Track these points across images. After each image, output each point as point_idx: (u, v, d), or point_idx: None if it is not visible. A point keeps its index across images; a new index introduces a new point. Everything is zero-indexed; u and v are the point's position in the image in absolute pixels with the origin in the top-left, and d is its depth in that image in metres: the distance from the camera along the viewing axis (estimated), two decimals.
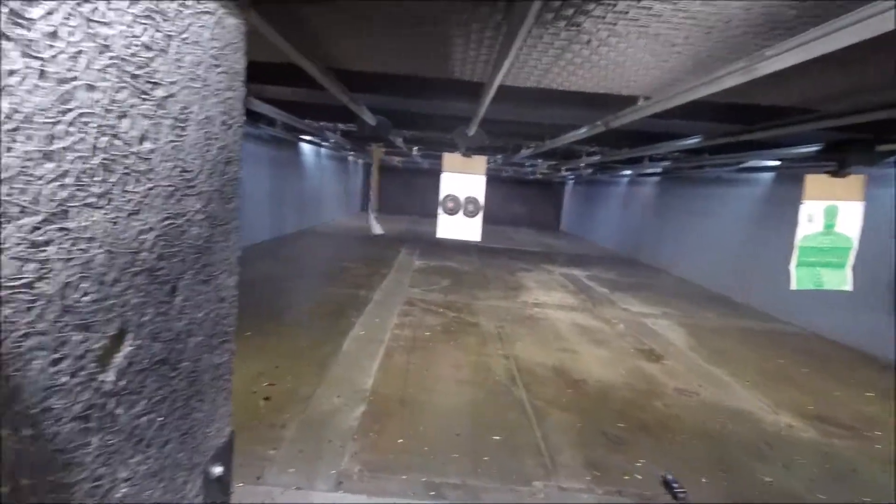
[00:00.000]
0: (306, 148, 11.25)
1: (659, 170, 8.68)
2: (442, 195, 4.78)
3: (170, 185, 0.55)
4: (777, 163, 5.83)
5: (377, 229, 5.57)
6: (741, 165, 6.43)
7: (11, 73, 0.35)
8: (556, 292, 6.84)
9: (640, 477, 2.50)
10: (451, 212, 5.14)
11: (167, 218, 0.54)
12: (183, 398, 0.60)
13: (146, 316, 0.51)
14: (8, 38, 0.34)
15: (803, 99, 3.23)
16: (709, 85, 2.46)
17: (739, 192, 7.65)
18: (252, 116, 6.54)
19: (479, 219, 5.18)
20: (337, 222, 13.51)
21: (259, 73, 3.92)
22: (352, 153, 12.00)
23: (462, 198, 5.38)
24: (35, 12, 0.37)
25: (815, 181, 3.82)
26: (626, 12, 2.02)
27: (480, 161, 5.59)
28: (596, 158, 7.16)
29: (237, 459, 2.25)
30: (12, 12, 0.35)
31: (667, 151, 5.44)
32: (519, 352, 4.22)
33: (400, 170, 16.78)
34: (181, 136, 0.57)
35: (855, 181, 3.67)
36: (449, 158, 5.38)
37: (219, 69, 0.67)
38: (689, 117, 3.69)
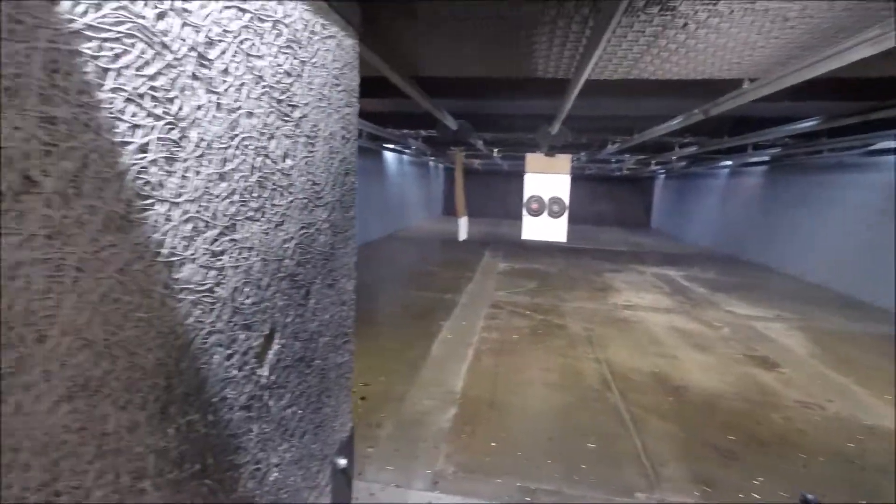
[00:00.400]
0: (389, 155, 11.69)
1: (766, 158, 7.92)
2: (526, 196, 4.82)
3: (304, 198, 0.60)
4: None
5: (463, 234, 5.63)
6: (869, 148, 5.68)
7: (199, 107, 0.41)
8: (648, 293, 6.48)
9: (758, 496, 2.29)
10: (536, 213, 5.12)
11: (302, 227, 0.59)
12: (315, 393, 0.65)
13: (289, 317, 0.56)
14: (196, 78, 0.40)
15: None
16: (830, 60, 2.21)
17: (867, 179, 6.76)
18: None
19: (564, 219, 5.10)
20: (420, 226, 13.86)
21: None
22: (432, 158, 12.26)
23: (546, 198, 5.32)
24: (213, 53, 0.42)
25: None
26: None
27: (564, 160, 5.49)
28: (691, 150, 6.70)
29: None
30: (200, 56, 0.40)
31: (775, 137, 4.95)
32: (611, 356, 4.05)
33: (480, 172, 16.86)
34: (312, 151, 0.62)
35: None
36: (532, 159, 5.36)
37: (339, 88, 0.72)
38: (803, 97, 3.34)
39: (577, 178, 15.74)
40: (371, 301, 5.58)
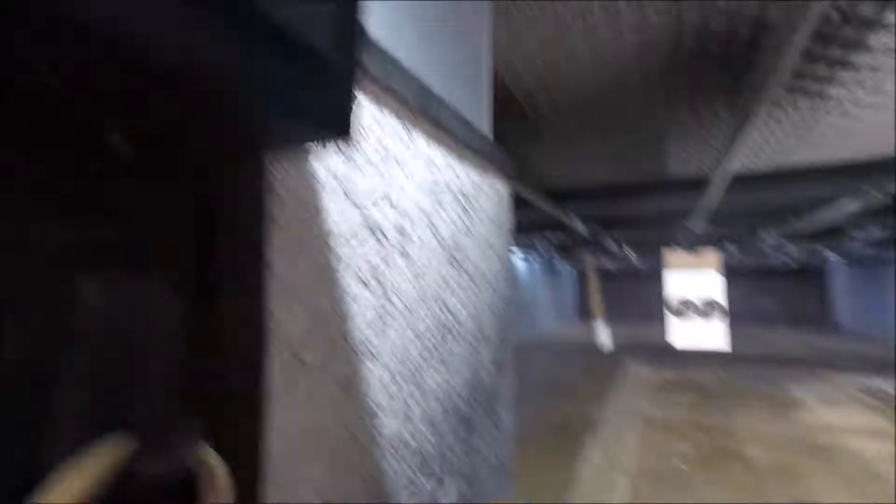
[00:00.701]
0: (518, 260, 11.90)
1: None
2: (669, 297, 4.55)
3: (473, 340, 0.63)
4: None
5: (606, 343, 5.33)
6: None
7: (400, 276, 0.48)
8: (847, 409, 5.26)
9: None
10: (680, 314, 4.73)
11: (472, 368, 0.62)
12: None
13: (456, 455, 0.56)
14: (402, 255, 0.47)
15: None
16: None
17: None
18: None
19: (719, 321, 4.57)
20: (552, 331, 13.39)
21: None
22: (562, 260, 12.18)
23: (694, 298, 4.88)
24: (410, 229, 0.50)
25: None
26: (878, 68, 1.73)
27: (710, 256, 5.05)
28: (872, 232, 5.76)
29: None
30: (401, 233, 0.48)
31: None
32: (818, 496, 3.25)
33: (614, 274, 16.20)
34: (479, 296, 0.66)
35: None
36: (673, 257, 5.03)
37: (499, 233, 0.77)
38: None
39: (732, 274, 14.15)
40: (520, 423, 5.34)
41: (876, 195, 3.28)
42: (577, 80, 1.81)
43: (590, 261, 5.66)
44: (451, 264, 0.58)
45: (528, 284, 12.72)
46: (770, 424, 4.82)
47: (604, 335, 5.34)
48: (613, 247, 7.86)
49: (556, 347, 10.55)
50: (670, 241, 5.17)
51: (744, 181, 3.51)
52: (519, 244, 8.94)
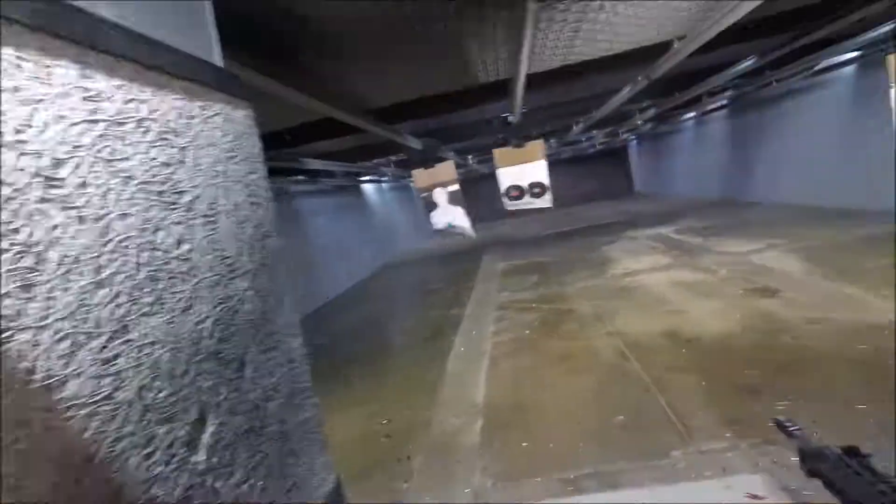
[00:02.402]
0: (368, 187, 11.78)
1: (724, 102, 8.01)
2: (503, 188, 5.10)
3: (214, 275, 0.62)
4: (855, 53, 5.14)
5: (468, 229, 5.72)
6: (815, 69, 5.74)
7: (55, 227, 0.42)
8: (645, 256, 6.50)
9: (789, 422, 2.28)
10: (517, 198, 5.33)
11: (219, 304, 0.61)
12: (277, 459, 0.66)
13: (221, 395, 0.57)
14: (46, 200, 0.42)
15: None
16: (737, 8, 2.27)
17: (819, 98, 6.86)
18: (309, 174, 7.00)
19: (548, 196, 5.23)
20: (412, 249, 13.88)
21: (306, 134, 4.19)
22: (412, 181, 12.41)
23: (525, 184, 5.39)
24: (64, 171, 0.44)
25: None
26: None
27: (535, 147, 5.44)
28: (651, 112, 6.79)
29: (376, 501, 2.38)
30: (46, 178, 0.42)
31: (724, 82, 5.02)
32: (622, 326, 4.05)
33: (462, 182, 16.94)
34: (214, 228, 0.64)
35: None
36: (501, 153, 5.41)
37: (236, 159, 0.74)
38: (735, 41, 3.40)
39: (556, 164, 15.78)
40: (378, 336, 5.57)
41: (642, 80, 3.79)
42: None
43: (443, 169, 5.67)
44: (154, 202, 0.54)
45: (381, 209, 12.74)
46: (592, 281, 5.77)
47: (463, 220, 5.62)
48: (455, 158, 8.13)
49: (418, 263, 11.02)
50: (498, 142, 5.53)
51: (543, 78, 3.79)
52: (364, 171, 8.74)
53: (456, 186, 5.30)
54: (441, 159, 5.34)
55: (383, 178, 10.85)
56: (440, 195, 5.31)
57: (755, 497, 1.73)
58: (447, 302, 6.35)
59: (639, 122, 7.81)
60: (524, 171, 5.21)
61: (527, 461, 2.48)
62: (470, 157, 8.64)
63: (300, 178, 6.91)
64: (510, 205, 5.29)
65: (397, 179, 11.74)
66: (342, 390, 3.97)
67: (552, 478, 2.31)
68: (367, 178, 9.76)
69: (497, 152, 5.34)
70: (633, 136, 13.62)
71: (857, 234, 5.22)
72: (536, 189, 5.16)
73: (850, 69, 6.17)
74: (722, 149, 10.31)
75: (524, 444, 2.65)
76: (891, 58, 3.37)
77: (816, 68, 5.62)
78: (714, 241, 6.40)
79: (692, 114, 9.17)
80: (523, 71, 2.78)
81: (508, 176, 5.33)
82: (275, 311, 0.74)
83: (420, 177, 5.24)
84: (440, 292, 7.16)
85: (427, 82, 3.55)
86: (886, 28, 3.54)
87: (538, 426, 2.80)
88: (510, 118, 4.63)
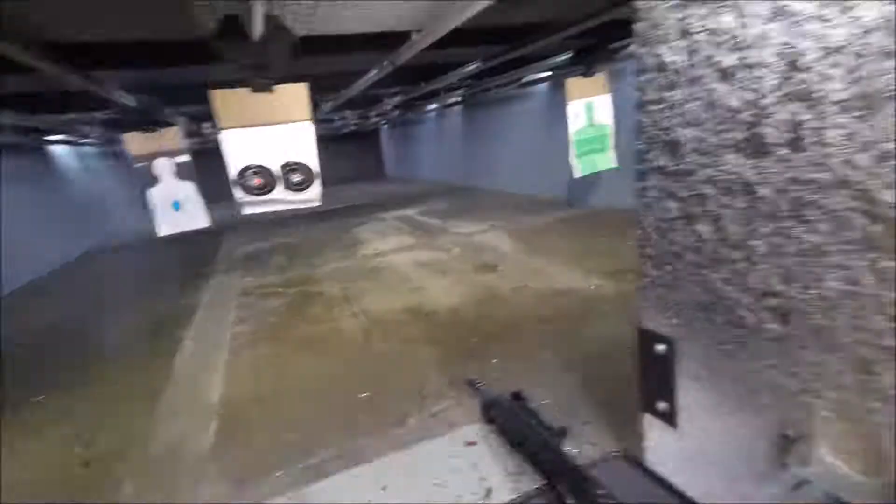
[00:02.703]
0: (61, 151, 9.21)
1: (459, 98, 9.08)
2: (233, 171, 3.21)
3: None
4: (549, 73, 6.47)
5: (198, 213, 4.44)
6: (522, 81, 7.01)
7: None
8: (392, 237, 6.92)
9: (495, 375, 2.75)
10: (260, 190, 3.39)
11: None
12: None
13: None
14: None
15: (550, 15, 3.55)
16: (464, 10, 2.52)
17: (526, 106, 8.43)
18: None
19: (315, 186, 3.49)
20: (136, 228, 11.60)
21: None
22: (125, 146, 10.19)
23: (276, 166, 3.35)
24: None
25: (574, 84, 4.34)
26: None
27: (295, 94, 3.28)
28: (398, 99, 7.17)
29: None
30: None
31: (457, 80, 5.64)
32: (368, 305, 4.21)
33: (201, 153, 14.86)
34: None
35: (599, 79, 4.29)
36: (227, 102, 3.08)
37: None
38: (466, 44, 3.81)
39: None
40: (82, 338, 4.47)
41: (387, 65, 3.92)
42: None
43: (168, 136, 4.22)
44: None
45: (87, 180, 10.17)
46: (342, 263, 5.83)
47: (195, 199, 4.32)
48: (187, 124, 7.00)
49: (144, 246, 9.22)
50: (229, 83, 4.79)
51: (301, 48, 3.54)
52: (54, 129, 6.79)
53: (186, 157, 4.16)
54: (167, 123, 4.43)
55: (85, 141, 8.66)
56: (163, 167, 4.04)
57: (471, 444, 2.01)
58: (178, 291, 5.52)
59: (388, 108, 8.21)
60: (275, 141, 3.27)
61: (268, 456, 2.34)
62: (207, 124, 7.64)
63: None
64: (248, 203, 3.31)
65: (109, 144, 9.55)
66: (34, 409, 3.06)
67: (295, 468, 2.23)
68: (58, 137, 7.62)
69: (220, 97, 3.04)
70: (385, 122, 14.30)
71: (554, 218, 6.66)
72: (296, 175, 3.36)
73: (544, 86, 7.73)
74: (459, 140, 11.75)
75: (265, 439, 2.49)
76: (569, 81, 4.31)
77: (523, 80, 6.88)
78: (451, 223, 7.25)
79: (435, 105, 10.14)
80: (258, 30, 2.54)
81: (242, 147, 3.15)
82: None
83: (135, 142, 4.07)
84: (168, 280, 6.19)
85: (144, 23, 2.93)
86: (565, 57, 4.54)
87: (282, 417, 2.67)
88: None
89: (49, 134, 7.23)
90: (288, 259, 6.42)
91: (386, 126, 17.19)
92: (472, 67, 4.68)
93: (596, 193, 6.94)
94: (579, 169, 4.34)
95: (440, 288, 4.43)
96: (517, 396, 0.83)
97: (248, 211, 3.36)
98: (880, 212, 0.60)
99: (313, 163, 3.36)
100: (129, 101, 4.35)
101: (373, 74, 4.35)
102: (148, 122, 5.54)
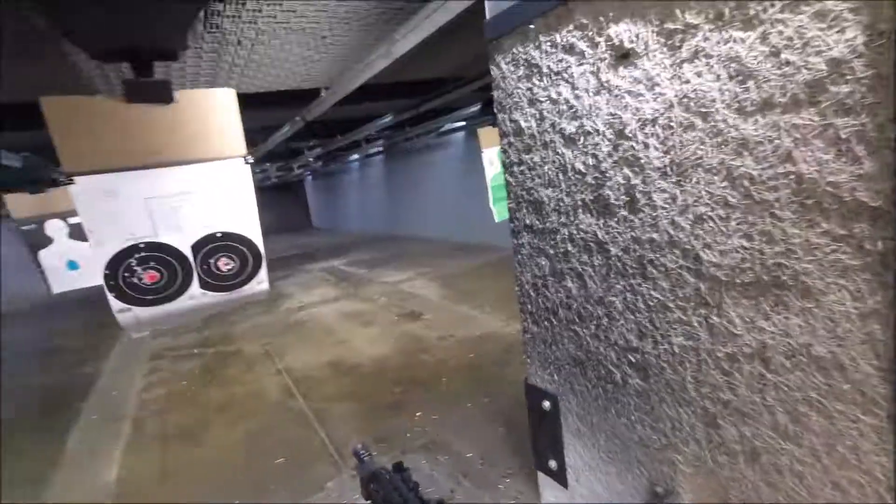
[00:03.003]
0: None
1: (380, 149, 9.20)
2: (103, 257, 1.83)
3: None
4: (463, 123, 6.74)
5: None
6: (440, 130, 7.24)
7: None
8: (317, 289, 6.71)
9: (419, 428, 2.66)
10: (157, 294, 2.03)
11: None
12: None
13: None
14: None
15: (455, 68, 3.72)
16: (366, 70, 2.58)
17: (446, 154, 8.71)
18: None
19: (260, 276, 2.29)
20: (32, 294, 10.40)
21: None
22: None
23: (185, 246, 2.02)
24: None
25: (485, 133, 4.54)
26: (260, 10, 1.93)
27: (209, 106, 2.13)
28: (317, 151, 7.15)
29: None
30: None
31: (374, 132, 5.72)
32: (291, 363, 3.99)
33: None
34: None
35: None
36: (69, 118, 1.72)
37: None
38: (379, 98, 3.89)
39: None
40: None
41: (298, 121, 3.91)
42: None
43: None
44: None
45: None
46: (264, 318, 5.53)
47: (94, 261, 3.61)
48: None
49: (41, 309, 8.27)
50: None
51: None
52: None
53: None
54: (57, 182, 4.07)
55: None
56: (56, 228, 3.83)
57: None
58: (78, 359, 4.97)
59: (310, 160, 8.14)
60: (181, 195, 1.95)
61: None
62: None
63: None
64: (133, 316, 2.03)
65: None
66: None
67: None
68: None
69: (58, 112, 1.68)
70: (308, 172, 14.16)
71: (477, 262, 6.76)
72: (227, 260, 2.11)
73: (461, 134, 8.04)
74: (383, 189, 11.82)
75: None
76: (481, 130, 4.50)
77: (441, 130, 7.11)
78: (376, 272, 7.16)
79: (356, 156, 10.20)
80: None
81: (117, 209, 1.84)
82: None
83: (20, 203, 3.69)
84: (67, 347, 5.56)
85: (36, 82, 2.74)
86: (476, 108, 4.76)
87: (188, 493, 2.40)
88: None
89: None
90: (206, 318, 5.99)
91: (310, 177, 17.03)
92: (385, 120, 4.78)
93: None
94: (497, 214, 4.48)
95: (365, 339, 4.30)
96: (398, 468, 0.78)
97: (134, 326, 2.04)
98: (704, 270, 0.64)
99: (255, 233, 2.15)
100: (14, 161, 3.99)
101: (286, 130, 4.32)
102: (37, 181, 5.09)
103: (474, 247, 7.86)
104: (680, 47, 0.61)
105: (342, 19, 2.17)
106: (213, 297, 2.14)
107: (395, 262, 7.74)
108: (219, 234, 2.07)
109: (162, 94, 1.74)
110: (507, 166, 0.93)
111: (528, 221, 0.92)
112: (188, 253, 2.04)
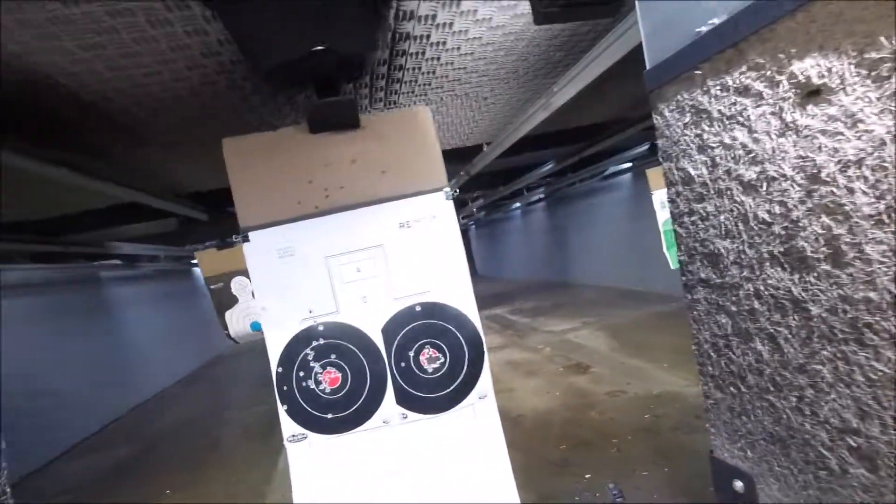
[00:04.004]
0: (199, 272, 10.75)
1: (541, 196, 9.30)
2: (274, 353, 1.53)
3: None
4: (629, 164, 6.46)
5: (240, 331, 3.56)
6: (604, 174, 7.05)
7: None
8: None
9: (588, 494, 2.47)
10: (337, 410, 1.53)
11: None
12: None
13: None
14: None
15: (616, 111, 3.66)
16: (525, 123, 2.71)
17: (611, 197, 8.37)
18: (126, 258, 6.16)
19: (482, 384, 1.68)
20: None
21: (116, 215, 3.73)
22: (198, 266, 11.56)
23: (373, 329, 1.52)
24: None
25: (655, 174, 4.28)
26: (429, 83, 2.21)
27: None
28: (480, 202, 7.55)
29: None
30: None
31: (536, 180, 5.85)
32: None
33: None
34: None
35: None
36: (243, 160, 1.55)
37: None
38: (540, 147, 4.02)
39: None
40: (204, 432, 4.83)
41: (466, 174, 4.23)
42: (163, 87, 1.66)
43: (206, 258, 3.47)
44: None
45: None
46: None
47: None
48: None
49: (259, 349, 10.05)
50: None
51: None
52: (190, 254, 8.00)
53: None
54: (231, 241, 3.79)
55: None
56: (240, 287, 3.32)
57: None
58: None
59: (473, 210, 8.61)
60: (380, 247, 1.49)
61: None
62: None
63: (115, 262, 6.07)
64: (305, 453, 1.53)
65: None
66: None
67: None
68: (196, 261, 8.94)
69: (235, 151, 1.54)
70: (472, 222, 14.90)
71: (650, 312, 6.23)
72: (432, 355, 1.57)
73: (628, 175, 7.68)
74: (545, 235, 11.78)
75: None
76: (649, 171, 4.27)
77: (605, 173, 6.91)
78: (540, 321, 7.06)
79: (518, 204, 10.43)
80: None
81: (285, 274, 1.50)
82: None
83: (207, 260, 3.39)
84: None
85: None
86: (644, 147, 4.54)
87: None
88: None
89: (190, 259, 8.51)
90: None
91: (474, 226, 17.88)
92: (547, 168, 4.85)
93: None
94: (671, 260, 4.11)
95: (529, 390, 4.23)
96: None
97: (306, 468, 1.51)
98: None
99: (467, 304, 1.52)
100: (200, 215, 4.46)
101: (452, 183, 4.67)
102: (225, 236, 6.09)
103: (644, 294, 7.27)
104: (889, 77, 0.52)
105: (502, 80, 2.33)
106: (416, 421, 1.41)
107: (560, 311, 7.55)
108: (417, 308, 1.37)
109: (347, 117, 1.49)
110: (676, 217, 0.87)
111: (703, 275, 0.85)
112: (378, 340, 1.43)
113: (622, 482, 2.53)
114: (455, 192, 1.59)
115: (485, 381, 1.48)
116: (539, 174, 5.21)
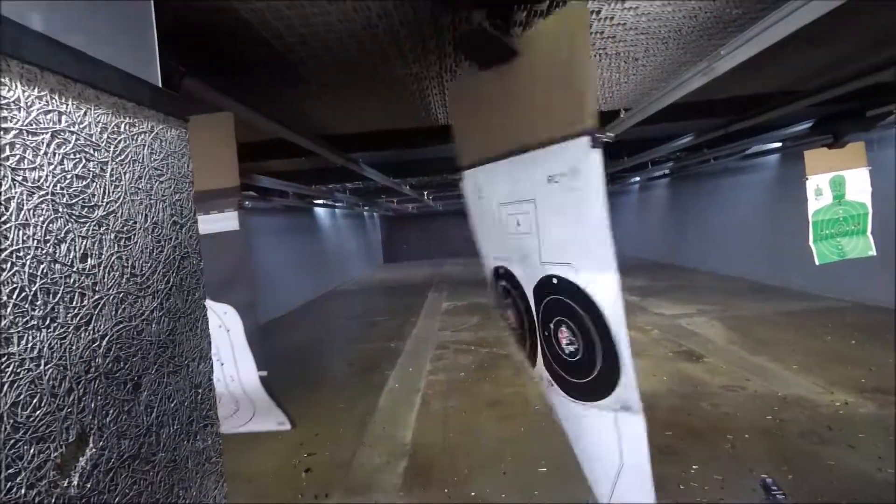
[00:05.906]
0: (321, 211, 11.64)
1: (667, 171, 8.62)
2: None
3: (120, 292, 0.61)
4: (779, 144, 5.72)
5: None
6: (746, 153, 6.33)
7: None
8: None
9: (695, 485, 2.38)
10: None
11: (119, 322, 0.60)
12: (164, 489, 0.64)
13: (108, 417, 0.55)
14: None
15: (786, 82, 3.23)
16: (677, 90, 2.50)
17: (749, 179, 7.52)
18: (261, 192, 6.87)
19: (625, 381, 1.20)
20: (362, 277, 13.69)
21: (263, 151, 4.14)
22: (366, 208, 12.30)
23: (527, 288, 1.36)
24: None
25: (814, 156, 3.76)
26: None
27: None
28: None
29: None
30: None
31: (667, 153, 5.42)
32: None
33: (416, 216, 17.13)
34: (127, 245, 0.63)
35: (855, 149, 3.60)
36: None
37: (163, 178, 0.74)
38: (677, 118, 3.70)
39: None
40: (315, 362, 5.40)
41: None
42: (328, 28, 1.77)
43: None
44: (61, 214, 0.54)
45: (333, 234, 12.59)
46: None
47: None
48: (410, 192, 8.19)
49: (365, 291, 10.87)
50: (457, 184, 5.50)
51: None
52: (318, 195, 8.67)
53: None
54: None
55: (338, 204, 10.77)
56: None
57: None
58: (388, 335, 6.27)
59: None
60: (531, 201, 1.27)
61: None
62: (426, 192, 8.76)
63: (251, 194, 6.78)
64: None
65: (351, 207, 11.67)
66: None
67: None
68: (320, 202, 9.65)
69: None
70: None
71: (778, 308, 5.65)
72: (569, 330, 1.23)
73: (775, 157, 6.82)
74: (663, 214, 11.00)
75: (446, 490, 2.61)
76: (808, 153, 3.77)
77: (747, 152, 6.19)
78: (650, 302, 6.72)
79: (637, 178, 9.78)
80: None
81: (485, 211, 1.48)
82: (184, 334, 0.73)
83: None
84: (382, 324, 7.08)
85: (385, 117, 3.63)
86: (805, 126, 3.98)
87: (463, 471, 2.77)
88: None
89: (315, 198, 9.25)
90: (482, 320, 6.75)
91: None
92: (684, 140, 4.45)
93: (840, 282, 5.65)
94: (818, 255, 3.64)
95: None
96: None
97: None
98: None
99: (606, 284, 1.13)
100: (372, 174, 5.27)
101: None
102: (382, 192, 6.54)
103: (778, 290, 6.57)
104: None
105: (661, 39, 2.14)
106: (560, 395, 1.29)
107: (672, 294, 7.11)
108: (554, 281, 1.16)
109: (504, 48, 1.21)
110: None
111: None
112: (531, 300, 1.30)
113: (734, 480, 2.40)
114: (609, 137, 1.14)
115: (627, 392, 1.15)
116: (671, 147, 4.80)
